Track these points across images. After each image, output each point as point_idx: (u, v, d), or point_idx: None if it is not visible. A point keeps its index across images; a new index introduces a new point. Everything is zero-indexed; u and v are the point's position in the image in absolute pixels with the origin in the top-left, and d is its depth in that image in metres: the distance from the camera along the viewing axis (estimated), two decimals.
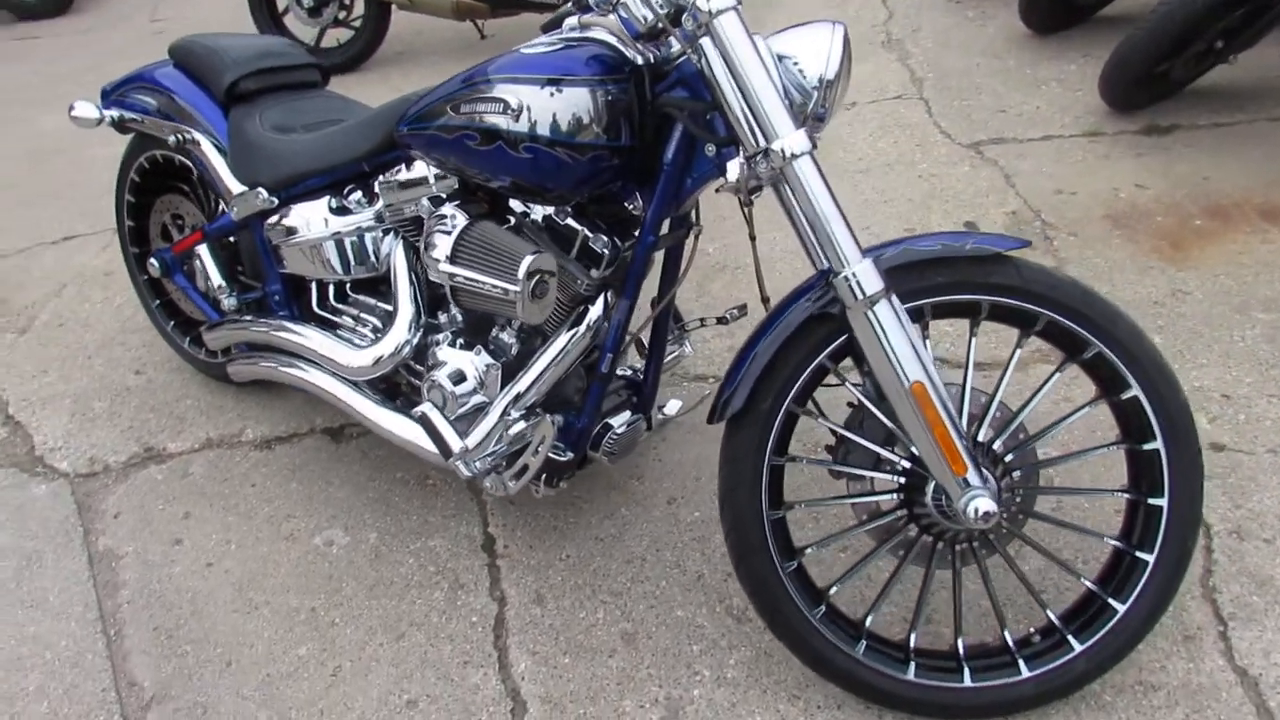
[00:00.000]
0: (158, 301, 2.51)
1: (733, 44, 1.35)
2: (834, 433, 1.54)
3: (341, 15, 4.59)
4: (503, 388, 1.70)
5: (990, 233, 1.46)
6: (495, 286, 1.55)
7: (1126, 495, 1.51)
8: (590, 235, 1.61)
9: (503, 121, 1.47)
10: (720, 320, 1.88)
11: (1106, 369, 1.43)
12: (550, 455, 1.69)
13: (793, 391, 1.46)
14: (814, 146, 1.36)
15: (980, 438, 1.48)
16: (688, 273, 1.72)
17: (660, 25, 1.42)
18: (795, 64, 1.46)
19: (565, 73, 1.46)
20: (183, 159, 2.18)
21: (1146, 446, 1.44)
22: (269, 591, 1.95)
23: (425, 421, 1.64)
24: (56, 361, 2.74)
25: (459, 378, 1.72)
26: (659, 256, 1.72)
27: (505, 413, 1.66)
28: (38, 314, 2.99)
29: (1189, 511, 1.45)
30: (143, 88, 2.17)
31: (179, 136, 2.05)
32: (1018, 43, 3.98)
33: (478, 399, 1.75)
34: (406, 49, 4.90)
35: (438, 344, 1.79)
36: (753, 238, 1.63)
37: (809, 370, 1.46)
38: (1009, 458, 1.47)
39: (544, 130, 1.45)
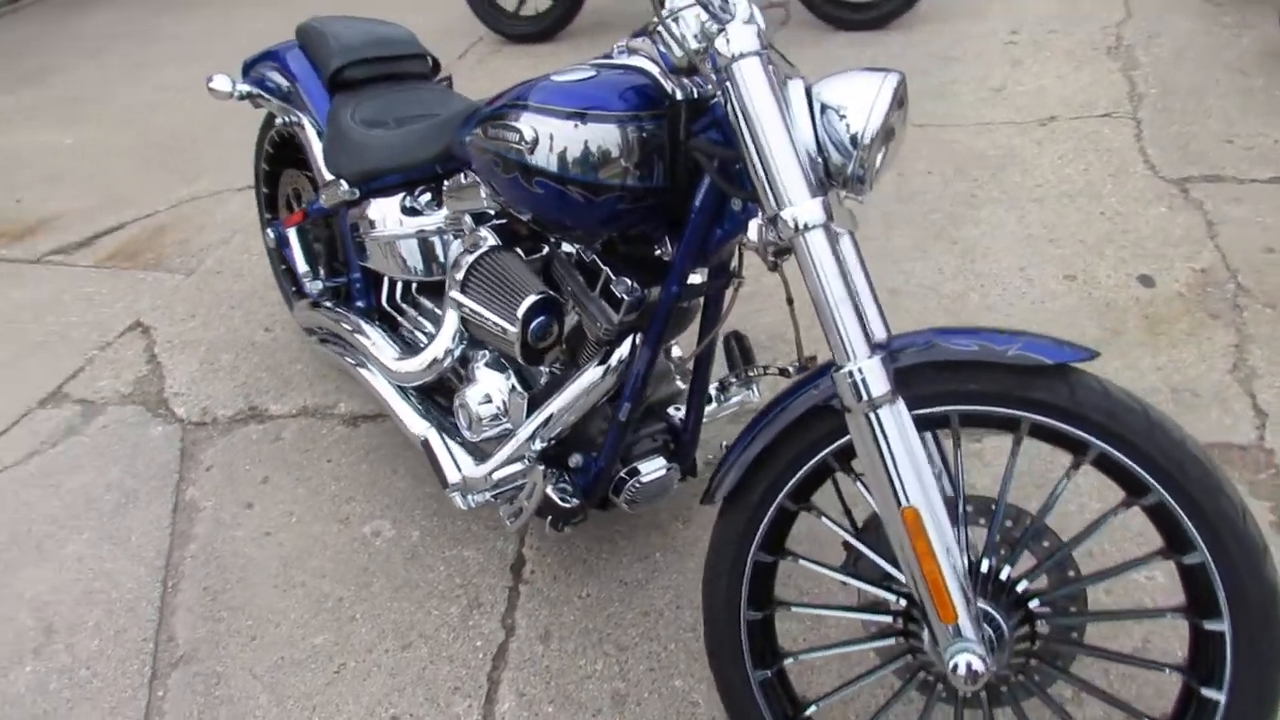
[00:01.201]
0: (283, 266, 2.62)
1: (750, 94, 1.20)
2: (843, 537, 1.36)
3: None
4: (527, 417, 1.64)
5: (1050, 337, 1.22)
6: (495, 324, 1.48)
7: (1180, 675, 1.24)
8: (613, 277, 1.50)
9: (517, 153, 1.38)
10: (782, 372, 1.72)
11: (1170, 522, 1.18)
12: (556, 500, 1.61)
13: (788, 486, 1.30)
14: (829, 218, 1.18)
15: (1005, 574, 1.26)
16: (724, 321, 1.57)
17: (690, 62, 1.28)
18: (841, 117, 1.27)
19: (593, 105, 1.35)
20: None
21: (1209, 625, 1.18)
22: (309, 572, 2.00)
23: (426, 447, 1.61)
24: (204, 308, 2.94)
25: (485, 400, 1.67)
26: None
27: (517, 449, 1.60)
28: (205, 259, 3.22)
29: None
30: (270, 65, 2.24)
31: (285, 118, 2.10)
32: (1274, 60, 3.41)
33: (502, 425, 1.70)
34: (604, 20, 4.86)
35: (478, 359, 1.75)
36: (790, 301, 1.46)
37: (808, 466, 1.29)
38: (1035, 603, 1.25)
39: (555, 167, 1.35)
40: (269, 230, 2.41)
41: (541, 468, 1.57)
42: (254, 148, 2.56)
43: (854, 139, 1.25)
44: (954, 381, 1.22)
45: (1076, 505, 1.86)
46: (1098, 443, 1.17)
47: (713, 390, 1.91)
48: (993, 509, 1.27)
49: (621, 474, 1.67)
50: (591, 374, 1.57)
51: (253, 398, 2.53)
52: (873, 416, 1.17)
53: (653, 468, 1.68)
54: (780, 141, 1.19)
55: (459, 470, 1.58)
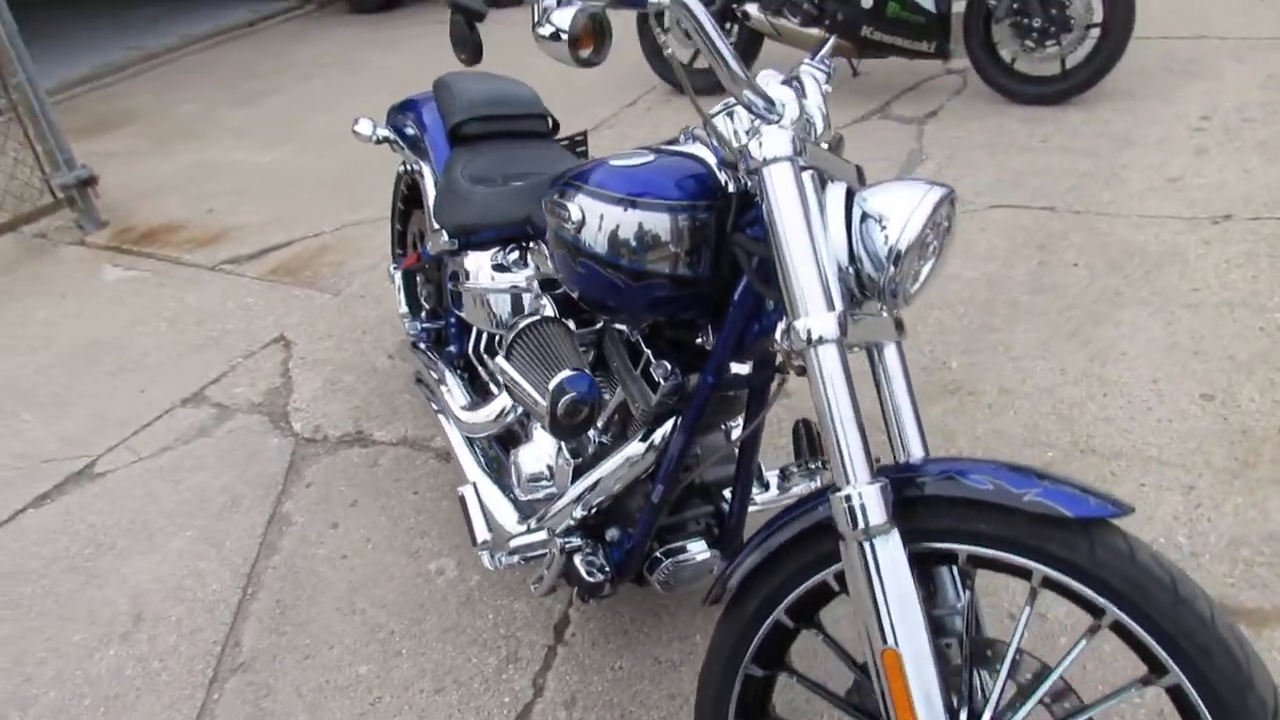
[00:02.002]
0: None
1: (777, 199, 1.18)
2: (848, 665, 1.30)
3: None
4: (571, 483, 1.65)
5: (1079, 485, 1.11)
6: (529, 394, 1.50)
7: None
8: (654, 360, 1.49)
9: (567, 231, 1.40)
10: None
11: (1189, 711, 1.05)
12: (583, 573, 1.61)
13: (785, 601, 1.25)
14: (843, 333, 1.14)
15: None
16: (766, 412, 1.53)
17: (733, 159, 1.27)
18: (881, 227, 1.22)
19: (645, 192, 1.36)
20: None
21: None
22: (370, 600, 2.08)
23: (461, 502, 1.64)
24: (340, 329, 3.13)
25: (534, 461, 1.70)
26: None
27: (557, 515, 1.62)
28: (352, 282, 3.43)
29: None
30: (407, 114, 2.38)
31: (409, 165, 2.21)
32: None
33: (548, 488, 1.72)
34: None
35: (536, 419, 1.78)
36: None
37: (808, 584, 1.23)
38: None
39: (599, 250, 1.37)
40: (390, 267, 2.54)
41: (560, 541, 1.57)
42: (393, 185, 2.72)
43: (888, 252, 1.20)
44: (964, 520, 1.14)
45: None
46: (1115, 610, 1.07)
47: (773, 477, 1.87)
48: (1002, 660, 1.17)
49: (658, 553, 1.65)
50: (633, 449, 1.56)
51: (362, 421, 2.67)
52: (866, 546, 1.12)
53: (690, 551, 1.66)
54: (802, 250, 1.16)
55: (488, 530, 1.61)
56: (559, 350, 1.52)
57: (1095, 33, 3.92)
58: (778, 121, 1.27)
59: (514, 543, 1.60)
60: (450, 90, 2.23)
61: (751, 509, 1.74)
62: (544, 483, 1.69)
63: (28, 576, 2.28)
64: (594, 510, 1.64)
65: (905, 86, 4.52)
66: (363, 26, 7.08)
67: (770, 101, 1.26)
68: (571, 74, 5.33)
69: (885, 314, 1.28)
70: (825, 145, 1.60)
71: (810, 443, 1.85)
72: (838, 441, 1.14)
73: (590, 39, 1.11)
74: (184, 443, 2.69)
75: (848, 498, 1.12)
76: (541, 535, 1.60)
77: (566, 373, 1.45)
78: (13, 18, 3.74)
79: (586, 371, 1.48)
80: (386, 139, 2.42)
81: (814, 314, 1.15)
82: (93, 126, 5.57)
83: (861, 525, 1.11)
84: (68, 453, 2.70)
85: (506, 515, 1.77)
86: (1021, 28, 3.95)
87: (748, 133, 1.25)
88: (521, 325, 1.58)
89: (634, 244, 1.35)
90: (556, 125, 2.30)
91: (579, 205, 1.39)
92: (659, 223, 1.35)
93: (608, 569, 1.63)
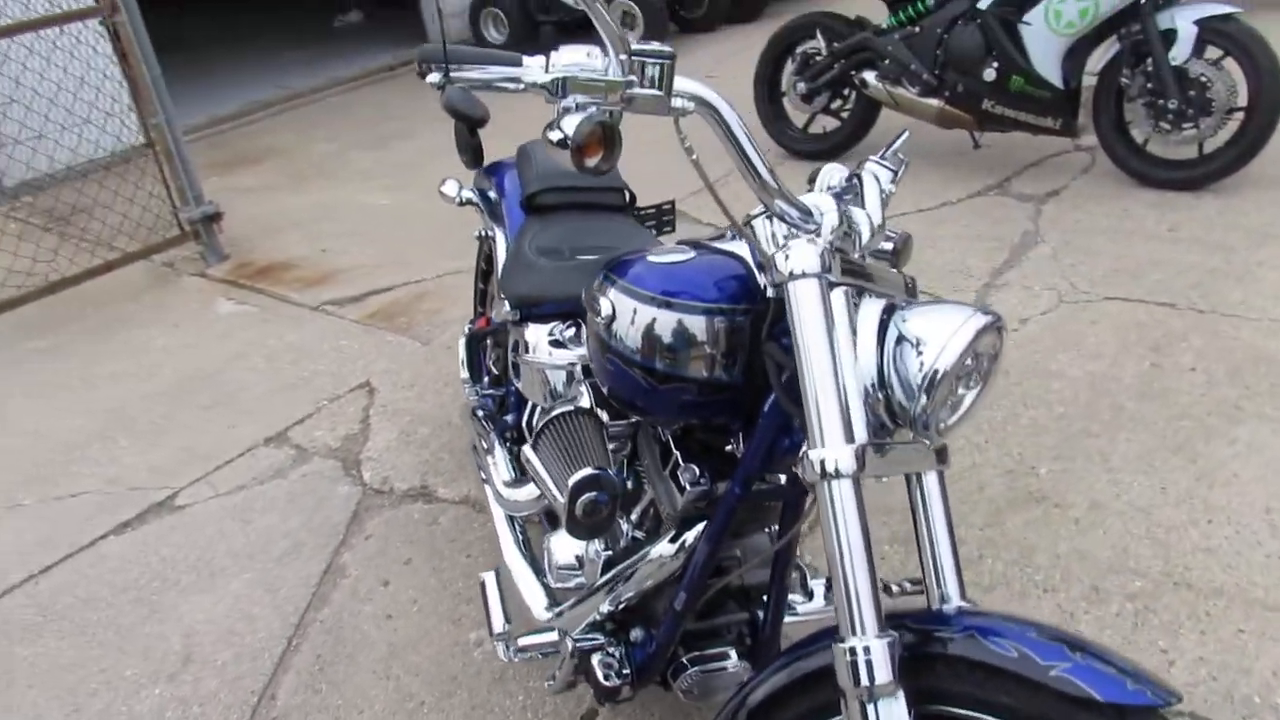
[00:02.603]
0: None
1: (800, 317, 1.10)
2: None
3: (835, 105, 4.59)
4: (600, 576, 1.60)
5: (1121, 661, 0.98)
6: (550, 488, 1.45)
7: None
8: (681, 463, 1.42)
9: (598, 325, 1.36)
10: (900, 588, 1.55)
11: None
12: (599, 675, 1.54)
13: None
14: (860, 467, 1.05)
15: None
16: (801, 525, 1.44)
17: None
18: (918, 352, 1.13)
19: (679, 292, 1.31)
20: None
21: None
22: (406, 667, 2.06)
23: (482, 589, 1.60)
24: (424, 379, 3.17)
25: (565, 549, 1.65)
26: None
27: (583, 609, 1.56)
28: (443, 333, 3.48)
29: None
30: (490, 178, 2.39)
31: (481, 232, 2.22)
32: None
33: (576, 579, 1.66)
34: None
35: None
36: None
37: None
38: None
39: (627, 349, 1.32)
40: (466, 327, 2.55)
41: (573, 642, 1.51)
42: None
43: (920, 380, 1.11)
44: (983, 687, 1.03)
45: None
46: None
47: (819, 585, 1.76)
48: None
49: (684, 659, 1.57)
50: (661, 549, 1.50)
51: (429, 476, 2.68)
52: (869, 708, 1.02)
53: (716, 661, 1.57)
54: (823, 374, 1.09)
55: (506, 620, 1.56)
56: (584, 445, 1.48)
57: (1238, 116, 3.67)
58: (813, 232, 1.20)
59: (523, 640, 1.55)
60: (530, 158, 2.23)
61: (793, 619, 1.65)
62: (574, 573, 1.64)
63: (97, 604, 2.36)
64: (620, 607, 1.57)
65: (1028, 162, 4.34)
66: None
67: (806, 211, 1.19)
68: (684, 125, 5.33)
69: (926, 442, 1.18)
70: (887, 244, 1.52)
71: None
72: (845, 587, 1.05)
73: (598, 147, 1.06)
74: (259, 482, 2.75)
75: (851, 650, 1.03)
76: (552, 635, 1.54)
77: (587, 471, 1.40)
78: (157, 61, 3.99)
79: (609, 470, 1.42)
80: (470, 201, 2.44)
81: (830, 445, 1.07)
82: (234, 161, 5.89)
83: (865, 683, 1.01)
84: (154, 482, 2.81)
85: (536, 601, 1.72)
86: (1157, 108, 3.72)
87: (783, 239, 1.19)
88: (552, 415, 1.54)
89: (664, 345, 1.30)
90: (633, 198, 2.28)
91: (611, 300, 1.35)
92: (693, 325, 1.29)
93: (627, 672, 1.56)
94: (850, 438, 1.07)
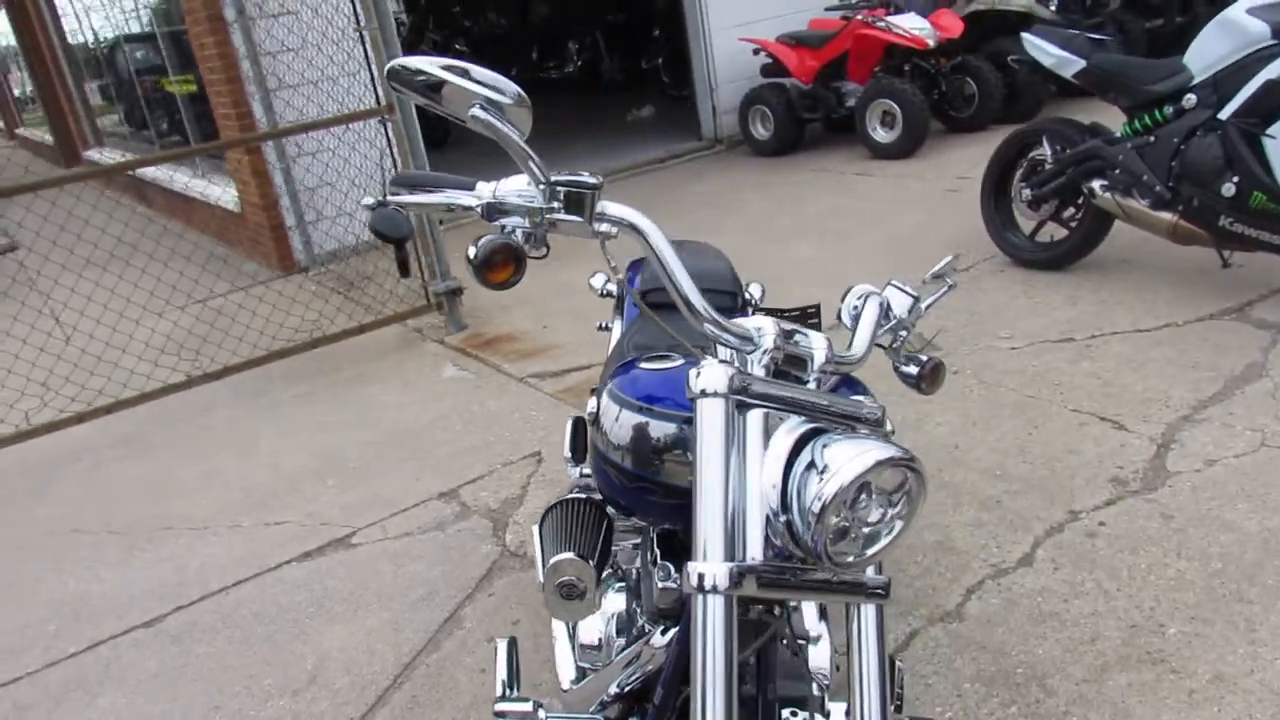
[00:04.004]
0: None
1: (701, 434, 1.16)
2: None
3: (1066, 214, 4.36)
4: (615, 657, 1.68)
5: None
6: (539, 567, 1.56)
7: None
8: (656, 564, 1.48)
9: (586, 422, 1.48)
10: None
11: None
12: None
13: None
14: (733, 585, 1.08)
15: None
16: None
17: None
18: (820, 479, 1.14)
19: (658, 400, 1.40)
20: None
21: None
22: (481, 718, 2.22)
23: (495, 651, 1.72)
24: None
25: (590, 632, 1.75)
26: None
27: (592, 688, 1.65)
28: None
29: None
30: (629, 272, 2.56)
31: (601, 324, 2.39)
32: None
33: (594, 662, 1.75)
34: (1130, 258, 4.40)
35: (610, 586, 1.82)
36: None
37: None
38: None
39: (609, 449, 1.42)
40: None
41: (544, 715, 1.59)
42: None
43: (808, 507, 1.12)
44: None
45: None
46: None
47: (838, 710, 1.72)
48: None
49: None
50: (655, 641, 1.56)
51: None
52: None
53: None
54: (711, 489, 1.14)
55: (509, 687, 1.67)
56: (575, 530, 1.57)
57: None
58: (751, 353, 1.25)
59: (498, 706, 1.64)
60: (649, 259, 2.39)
61: None
62: (595, 654, 1.72)
63: (264, 619, 2.74)
64: (625, 690, 1.63)
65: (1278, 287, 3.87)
66: (754, 169, 7.56)
67: (744, 336, 1.25)
68: (905, 228, 5.26)
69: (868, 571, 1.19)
70: (912, 369, 1.53)
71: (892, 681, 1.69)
72: (701, 705, 1.08)
73: (506, 267, 1.20)
74: (422, 531, 3.06)
75: None
76: (526, 706, 1.62)
77: (566, 555, 1.50)
78: (425, 154, 4.60)
79: (588, 559, 1.51)
80: (610, 294, 2.62)
81: (710, 559, 1.11)
82: None
83: None
84: (341, 520, 3.20)
85: (565, 672, 1.81)
86: None
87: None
88: (563, 498, 1.66)
89: (636, 447, 1.38)
90: (745, 301, 2.35)
91: (599, 401, 1.46)
92: (663, 431, 1.37)
93: None
94: (731, 556, 1.11)
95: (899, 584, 2.41)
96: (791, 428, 1.20)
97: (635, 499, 1.43)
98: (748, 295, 2.48)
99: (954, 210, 5.47)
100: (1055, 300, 4.09)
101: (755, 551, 1.14)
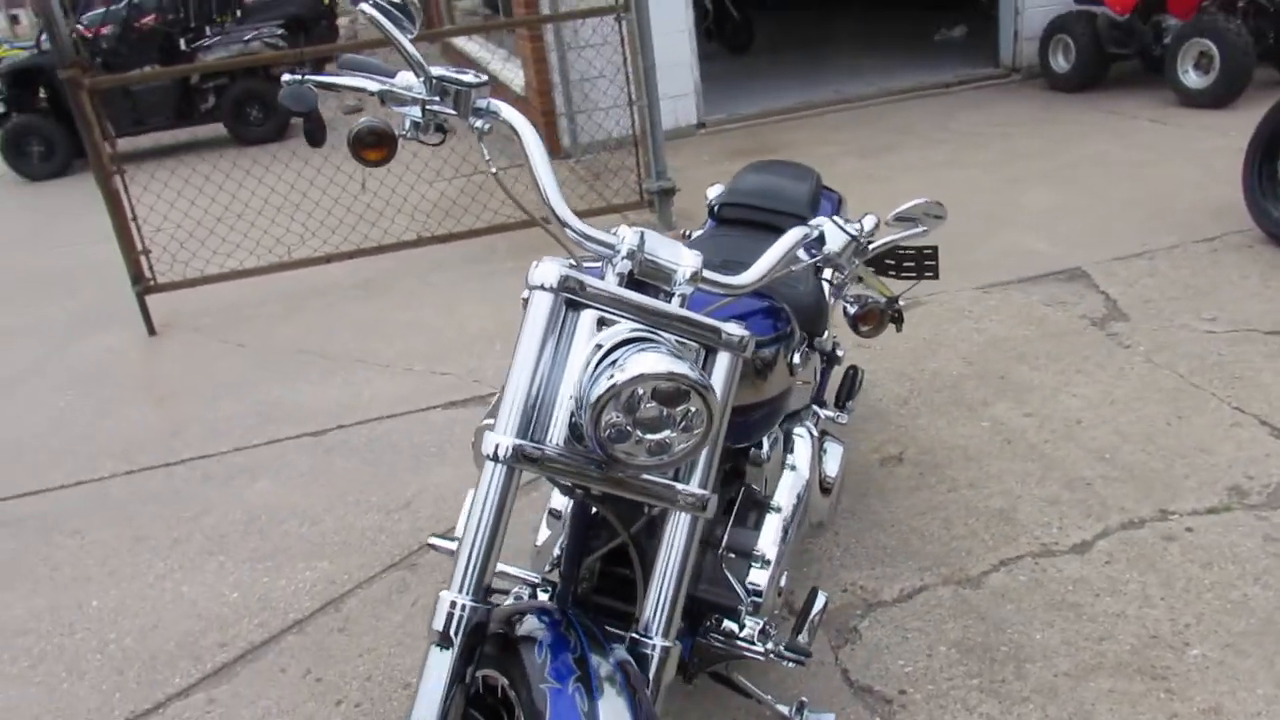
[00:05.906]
0: None
1: (525, 323, 1.29)
2: None
3: None
4: None
5: None
6: None
7: None
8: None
9: None
10: None
11: None
12: None
13: None
14: (516, 459, 1.22)
15: None
16: None
17: None
18: (609, 376, 1.21)
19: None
20: None
21: None
22: None
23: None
24: None
25: (558, 497, 1.94)
26: None
27: None
28: None
29: None
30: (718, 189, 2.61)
31: (685, 231, 2.47)
32: None
33: (555, 525, 1.94)
34: None
35: None
36: None
37: None
38: None
39: None
40: None
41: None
42: None
43: (589, 399, 1.20)
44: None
45: None
46: None
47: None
48: None
49: None
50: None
51: None
52: (433, 651, 1.21)
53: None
54: (520, 372, 1.26)
55: None
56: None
57: None
58: (609, 258, 1.33)
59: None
60: (742, 172, 2.43)
61: None
62: (556, 521, 1.90)
63: (397, 449, 3.17)
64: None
65: None
66: (1039, 104, 6.97)
67: (604, 244, 1.33)
68: (1167, 187, 4.70)
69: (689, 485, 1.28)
70: (851, 309, 1.54)
71: None
72: (468, 549, 1.23)
73: (379, 149, 1.35)
74: None
75: (452, 604, 1.22)
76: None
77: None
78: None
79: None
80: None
81: (506, 433, 1.24)
82: (755, 150, 6.57)
83: (439, 631, 1.20)
84: (492, 380, 3.56)
85: (541, 533, 1.99)
86: None
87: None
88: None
89: None
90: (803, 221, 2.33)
91: None
92: None
93: None
94: (519, 433, 1.23)
95: (933, 539, 2.35)
96: (617, 332, 1.28)
97: None
98: (856, 227, 2.45)
99: (1235, 173, 4.80)
100: None
101: (558, 438, 1.25)
